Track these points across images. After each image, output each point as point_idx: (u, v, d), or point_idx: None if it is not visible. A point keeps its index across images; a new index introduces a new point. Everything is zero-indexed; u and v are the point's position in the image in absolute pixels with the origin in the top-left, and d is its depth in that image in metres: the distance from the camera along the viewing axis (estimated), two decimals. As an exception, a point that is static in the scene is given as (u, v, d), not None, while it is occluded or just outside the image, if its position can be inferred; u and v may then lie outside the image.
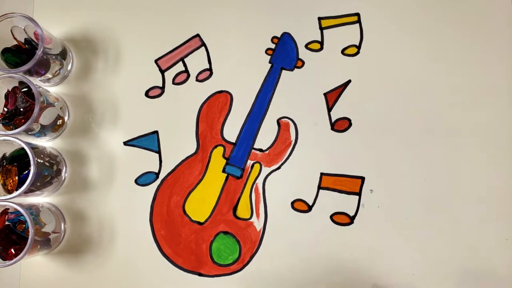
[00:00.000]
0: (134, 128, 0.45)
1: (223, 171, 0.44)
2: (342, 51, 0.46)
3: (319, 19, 0.47)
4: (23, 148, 0.39)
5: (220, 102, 0.46)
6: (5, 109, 0.43)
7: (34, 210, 0.41)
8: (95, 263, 0.44)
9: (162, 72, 0.46)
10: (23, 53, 0.43)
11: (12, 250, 0.40)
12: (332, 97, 0.45)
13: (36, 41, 0.43)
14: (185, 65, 0.46)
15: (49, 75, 0.44)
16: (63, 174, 0.44)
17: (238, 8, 0.47)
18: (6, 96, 0.43)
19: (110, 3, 0.47)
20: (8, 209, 0.41)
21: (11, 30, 0.42)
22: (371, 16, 0.46)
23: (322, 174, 0.44)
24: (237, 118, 0.45)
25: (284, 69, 0.46)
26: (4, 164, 0.41)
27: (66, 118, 0.45)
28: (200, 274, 0.43)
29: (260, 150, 0.45)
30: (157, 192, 0.44)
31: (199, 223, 0.44)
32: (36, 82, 0.44)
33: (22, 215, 0.38)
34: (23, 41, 0.43)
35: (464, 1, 0.46)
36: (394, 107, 0.45)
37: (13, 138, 0.39)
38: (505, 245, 0.43)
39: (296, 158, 0.44)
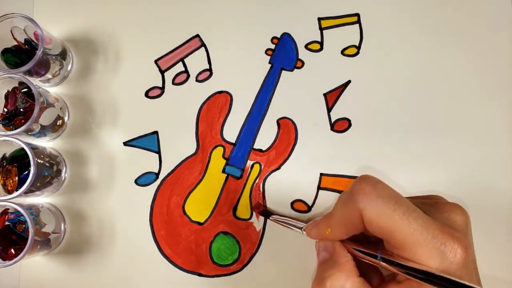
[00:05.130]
0: (134, 128, 0.46)
1: (223, 171, 0.44)
2: (342, 52, 0.46)
3: (319, 19, 0.47)
4: (23, 149, 0.39)
5: (220, 102, 0.46)
6: (5, 110, 0.43)
7: (34, 210, 0.41)
8: (95, 263, 0.44)
9: (162, 72, 0.46)
10: (23, 54, 0.43)
11: (12, 250, 0.40)
12: (332, 97, 0.45)
13: (36, 41, 0.43)
14: (185, 65, 0.46)
15: (49, 75, 0.44)
16: (63, 174, 0.45)
17: (238, 8, 0.47)
18: (6, 96, 0.43)
19: (110, 4, 0.47)
20: (8, 209, 0.41)
21: (11, 31, 0.42)
22: (371, 16, 0.46)
23: (321, 174, 0.44)
24: (237, 118, 0.45)
25: (284, 69, 0.46)
26: (4, 164, 0.41)
27: (66, 118, 0.45)
28: (200, 274, 0.43)
29: (260, 150, 0.45)
30: (157, 193, 0.44)
31: (199, 223, 0.44)
32: (36, 82, 0.44)
33: (22, 215, 0.38)
34: (23, 41, 0.43)
35: (465, 1, 0.46)
36: (394, 107, 0.45)
37: (13, 138, 0.39)
38: (505, 246, 0.43)
39: (296, 158, 0.44)
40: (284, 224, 0.40)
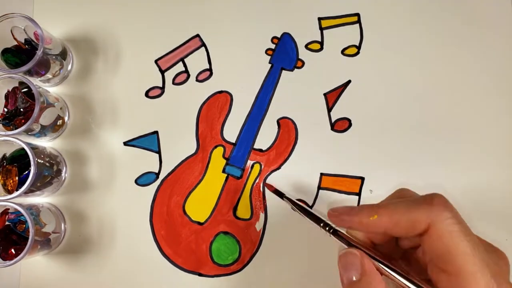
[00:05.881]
0: (134, 128, 0.46)
1: (223, 171, 0.45)
2: (342, 51, 0.46)
3: (319, 19, 0.47)
4: (23, 149, 0.39)
5: (220, 102, 0.46)
6: (5, 110, 0.43)
7: (34, 210, 0.41)
8: (95, 263, 0.44)
9: (162, 72, 0.46)
10: (23, 54, 0.43)
11: (12, 250, 0.40)
12: (332, 97, 0.45)
13: (36, 41, 0.43)
14: (185, 65, 0.46)
15: (49, 75, 0.44)
16: (63, 174, 0.45)
17: (238, 8, 0.47)
18: (6, 96, 0.43)
19: (110, 4, 0.47)
20: (8, 209, 0.41)
21: (11, 31, 0.42)
22: (371, 16, 0.46)
23: (322, 174, 0.44)
24: (237, 118, 0.45)
25: (284, 69, 0.46)
26: (4, 164, 0.41)
27: (66, 118, 0.45)
28: (200, 274, 0.43)
29: (260, 150, 0.45)
30: (157, 192, 0.44)
31: (199, 223, 0.44)
32: (36, 82, 0.44)
33: (22, 215, 0.38)
34: (23, 41, 0.43)
35: (464, 1, 0.47)
36: (394, 107, 0.45)
37: (13, 138, 0.39)
38: (504, 245, 0.43)
39: (296, 158, 0.44)
40: (301, 212, 0.35)
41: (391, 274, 0.26)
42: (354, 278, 0.26)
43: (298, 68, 0.46)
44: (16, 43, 0.43)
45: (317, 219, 0.32)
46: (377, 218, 0.26)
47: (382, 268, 0.26)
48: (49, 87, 0.46)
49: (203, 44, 0.47)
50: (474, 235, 0.25)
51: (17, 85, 0.42)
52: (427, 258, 0.26)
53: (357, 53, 0.46)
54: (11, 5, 0.47)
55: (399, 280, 0.25)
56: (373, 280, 0.26)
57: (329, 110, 0.45)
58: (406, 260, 0.29)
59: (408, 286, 0.25)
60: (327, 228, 0.30)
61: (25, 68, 0.40)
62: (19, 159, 0.41)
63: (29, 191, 0.39)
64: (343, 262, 0.27)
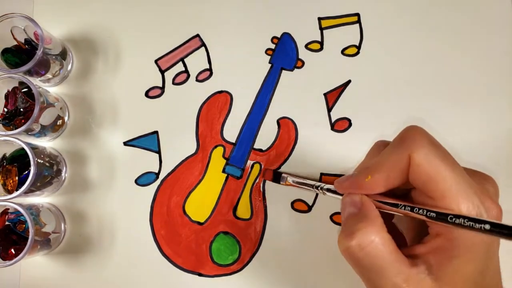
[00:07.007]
0: (134, 128, 0.46)
1: (223, 171, 0.44)
2: (342, 51, 0.46)
3: (319, 19, 0.47)
4: (23, 149, 0.39)
5: (220, 102, 0.46)
6: (5, 109, 0.43)
7: (34, 210, 0.41)
8: (95, 263, 0.44)
9: (162, 72, 0.46)
10: (23, 53, 0.43)
11: (12, 250, 0.40)
12: (332, 97, 0.45)
13: (36, 41, 0.43)
14: (185, 65, 0.46)
15: (49, 75, 0.44)
16: (63, 174, 0.45)
17: (238, 8, 0.47)
18: (6, 96, 0.43)
19: (110, 4, 0.47)
20: (8, 209, 0.41)
21: (11, 31, 0.42)
22: (371, 16, 0.46)
23: (322, 174, 0.44)
24: (237, 118, 0.45)
25: (284, 69, 0.46)
26: (4, 164, 0.41)
27: (66, 118, 0.45)
28: (200, 274, 0.43)
29: (260, 150, 0.45)
30: (157, 193, 0.44)
31: (199, 223, 0.44)
32: (36, 82, 0.44)
33: (22, 215, 0.38)
34: (23, 41, 0.43)
35: (464, 1, 0.46)
36: (394, 107, 0.45)
37: (13, 138, 0.39)
38: (505, 245, 0.43)
39: (296, 158, 0.44)
40: (300, 186, 0.40)
41: (393, 208, 0.27)
42: (353, 212, 0.28)
43: (298, 68, 0.46)
44: (16, 43, 0.43)
45: (313, 186, 0.37)
46: (371, 179, 0.28)
47: (382, 205, 0.28)
48: (49, 87, 0.46)
49: (203, 44, 0.47)
50: (452, 159, 0.26)
51: (17, 85, 0.42)
52: (416, 193, 0.27)
53: (357, 53, 0.46)
54: (11, 5, 0.47)
55: (403, 211, 0.26)
56: (370, 212, 0.27)
57: (329, 110, 0.45)
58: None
59: (405, 213, 0.26)
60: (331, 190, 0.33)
61: (25, 68, 0.40)
62: (19, 159, 0.41)
63: (29, 191, 0.39)
64: (344, 202, 0.29)
